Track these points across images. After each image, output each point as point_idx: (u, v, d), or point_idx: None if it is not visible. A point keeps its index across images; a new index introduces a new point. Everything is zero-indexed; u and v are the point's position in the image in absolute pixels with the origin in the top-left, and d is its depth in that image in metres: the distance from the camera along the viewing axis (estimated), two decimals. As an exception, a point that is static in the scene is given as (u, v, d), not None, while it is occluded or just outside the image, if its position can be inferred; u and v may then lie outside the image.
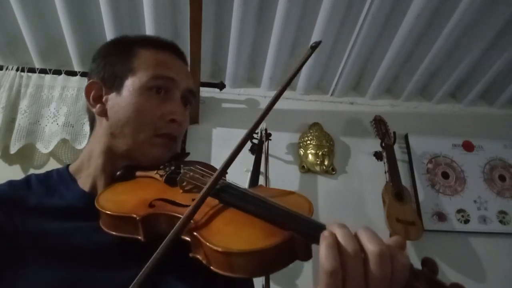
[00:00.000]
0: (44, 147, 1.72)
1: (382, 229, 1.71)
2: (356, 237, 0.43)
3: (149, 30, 1.64)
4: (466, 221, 1.80)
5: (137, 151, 0.67)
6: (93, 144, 0.71)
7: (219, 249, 0.46)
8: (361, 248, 0.42)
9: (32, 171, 1.77)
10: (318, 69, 1.90)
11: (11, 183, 0.64)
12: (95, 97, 0.70)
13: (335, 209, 1.77)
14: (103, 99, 0.69)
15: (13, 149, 1.70)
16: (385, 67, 1.86)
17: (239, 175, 1.70)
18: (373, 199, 1.80)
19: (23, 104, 1.77)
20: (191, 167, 0.64)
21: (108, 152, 0.67)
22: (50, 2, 1.63)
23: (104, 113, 0.69)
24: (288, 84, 0.58)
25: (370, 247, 0.41)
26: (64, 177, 0.69)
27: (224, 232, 0.50)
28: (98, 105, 0.69)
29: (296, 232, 0.47)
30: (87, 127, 1.76)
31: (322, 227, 0.46)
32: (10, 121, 1.75)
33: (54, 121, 1.76)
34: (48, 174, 0.70)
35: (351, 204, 1.81)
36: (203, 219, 0.52)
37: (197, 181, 0.61)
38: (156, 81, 0.67)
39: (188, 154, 0.75)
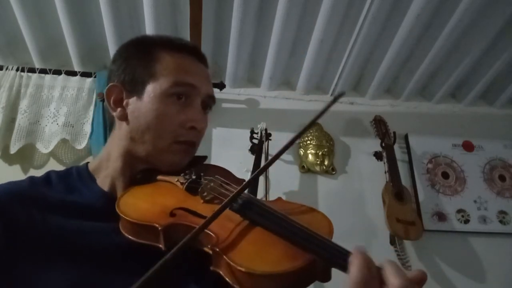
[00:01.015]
0: (44, 147, 1.72)
1: (382, 229, 1.72)
2: (380, 269, 0.45)
3: (149, 30, 1.65)
4: (466, 221, 1.80)
5: (156, 157, 0.67)
6: (112, 146, 0.71)
7: (242, 269, 0.46)
8: (383, 281, 0.44)
9: (32, 171, 1.78)
10: (318, 69, 1.90)
11: (31, 179, 0.65)
12: (116, 100, 0.69)
13: (335, 209, 1.77)
14: (124, 103, 0.69)
15: (13, 149, 1.70)
16: (385, 67, 1.86)
17: (239, 175, 1.70)
18: (373, 199, 1.80)
19: (23, 104, 1.77)
20: (212, 178, 0.65)
21: (127, 156, 0.68)
22: (50, 2, 1.63)
23: (124, 117, 0.69)
24: (306, 130, 0.60)
25: (393, 280, 0.43)
26: (84, 175, 0.69)
27: (247, 250, 0.51)
28: (119, 109, 0.69)
29: (318, 256, 0.48)
30: (87, 127, 1.76)
31: (345, 254, 0.47)
32: (10, 121, 1.75)
33: (54, 121, 1.76)
34: (68, 171, 0.70)
35: (351, 204, 1.81)
36: (226, 234, 0.53)
37: (217, 192, 0.62)
38: (177, 88, 0.67)
39: (206, 157, 0.75)
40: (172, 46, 0.71)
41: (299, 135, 0.59)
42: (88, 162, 0.73)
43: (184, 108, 0.68)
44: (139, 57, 0.70)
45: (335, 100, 0.60)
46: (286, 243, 0.51)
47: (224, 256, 0.49)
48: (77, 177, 0.69)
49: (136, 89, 0.68)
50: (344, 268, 0.46)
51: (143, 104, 0.67)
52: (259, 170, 0.58)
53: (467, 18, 1.60)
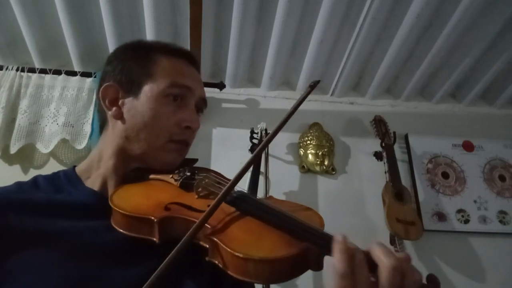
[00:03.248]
0: (44, 147, 1.72)
1: (382, 229, 1.71)
2: (368, 253, 0.46)
3: (149, 30, 1.65)
4: (466, 221, 1.80)
5: (151, 155, 0.68)
6: (104, 146, 0.72)
7: (240, 255, 0.47)
8: (371, 260, 0.45)
9: (32, 171, 1.78)
10: (318, 69, 1.90)
11: (19, 184, 0.65)
12: (111, 100, 0.71)
13: (335, 209, 1.77)
14: (119, 103, 0.70)
15: (13, 149, 1.70)
16: (385, 67, 1.86)
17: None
18: (373, 199, 1.80)
19: (23, 104, 1.77)
20: (207, 174, 0.66)
21: (121, 154, 0.69)
22: (50, 2, 1.63)
23: (120, 116, 0.70)
24: (284, 122, 0.62)
25: (385, 260, 0.44)
26: (71, 177, 0.70)
27: (243, 239, 0.52)
28: (114, 108, 0.70)
29: (312, 243, 0.50)
30: (87, 127, 1.76)
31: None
32: (10, 121, 1.75)
33: (54, 121, 1.76)
34: (55, 174, 0.71)
35: (351, 204, 1.81)
36: (221, 225, 0.54)
37: (212, 187, 0.63)
38: (173, 89, 0.69)
39: (196, 160, 0.77)
40: (167, 50, 0.74)
41: (279, 127, 0.62)
42: (74, 166, 0.74)
43: (179, 109, 0.70)
44: (136, 59, 0.72)
45: (311, 89, 0.64)
46: (280, 233, 0.52)
47: (222, 244, 0.49)
48: (64, 179, 0.69)
49: (132, 89, 0.70)
50: None
51: (140, 103, 0.68)
52: (249, 160, 0.59)
53: (467, 18, 1.60)
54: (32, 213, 0.59)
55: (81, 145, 1.74)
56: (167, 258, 0.46)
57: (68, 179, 0.69)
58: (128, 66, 0.72)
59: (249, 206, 0.57)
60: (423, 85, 2.07)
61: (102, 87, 0.71)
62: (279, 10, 1.60)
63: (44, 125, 1.76)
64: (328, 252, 0.47)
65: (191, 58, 0.77)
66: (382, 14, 1.61)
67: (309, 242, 0.50)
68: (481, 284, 1.70)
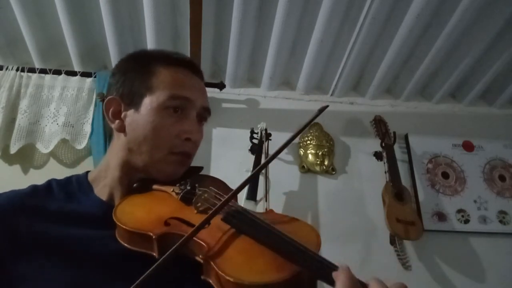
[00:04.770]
0: (44, 147, 1.72)
1: (382, 229, 1.72)
2: (366, 285, 0.46)
3: (149, 30, 1.65)
4: (466, 221, 1.80)
5: (153, 167, 0.69)
6: (110, 156, 0.73)
7: (231, 279, 0.48)
8: None
9: (32, 171, 1.77)
10: (318, 69, 1.90)
11: (34, 188, 0.67)
12: (114, 112, 0.72)
13: (335, 209, 1.77)
14: (122, 115, 0.71)
15: (13, 149, 1.70)
16: (385, 67, 1.86)
17: (239, 175, 1.70)
18: (373, 199, 1.80)
19: (23, 104, 1.77)
20: (206, 189, 0.66)
21: (125, 166, 0.70)
22: (50, 2, 1.63)
23: (122, 129, 0.71)
24: (290, 141, 0.63)
25: None
26: (83, 184, 0.72)
27: (236, 260, 0.52)
28: (117, 121, 0.71)
29: (305, 268, 0.49)
30: (87, 127, 1.76)
31: (331, 267, 0.48)
32: (10, 121, 1.75)
33: (54, 121, 1.77)
34: (68, 180, 0.72)
35: (351, 204, 1.81)
36: (216, 244, 0.54)
37: (211, 203, 0.63)
38: (173, 101, 0.69)
39: (201, 168, 0.78)
40: (168, 60, 0.74)
41: (280, 150, 0.62)
42: (88, 171, 0.76)
43: (180, 120, 0.70)
44: (136, 71, 0.73)
45: (319, 113, 0.64)
46: (274, 254, 0.52)
47: (214, 266, 0.50)
48: (76, 186, 0.71)
49: (133, 102, 0.70)
50: (328, 281, 0.47)
51: (140, 116, 0.69)
52: (243, 182, 0.59)
53: (467, 18, 1.60)
54: (44, 219, 0.61)
55: (81, 145, 1.74)
56: (149, 269, 0.47)
57: (79, 186, 0.71)
58: (130, 78, 0.72)
59: (243, 224, 0.57)
60: (423, 85, 2.07)
61: (106, 100, 0.72)
62: (279, 10, 1.60)
63: (44, 125, 1.77)
64: (321, 278, 0.48)
65: (193, 68, 0.76)
66: (382, 14, 1.61)
67: (302, 266, 0.49)
68: (481, 284, 1.70)
